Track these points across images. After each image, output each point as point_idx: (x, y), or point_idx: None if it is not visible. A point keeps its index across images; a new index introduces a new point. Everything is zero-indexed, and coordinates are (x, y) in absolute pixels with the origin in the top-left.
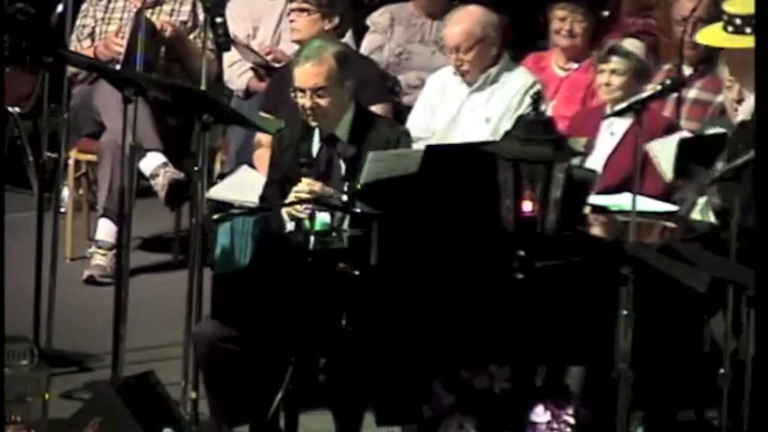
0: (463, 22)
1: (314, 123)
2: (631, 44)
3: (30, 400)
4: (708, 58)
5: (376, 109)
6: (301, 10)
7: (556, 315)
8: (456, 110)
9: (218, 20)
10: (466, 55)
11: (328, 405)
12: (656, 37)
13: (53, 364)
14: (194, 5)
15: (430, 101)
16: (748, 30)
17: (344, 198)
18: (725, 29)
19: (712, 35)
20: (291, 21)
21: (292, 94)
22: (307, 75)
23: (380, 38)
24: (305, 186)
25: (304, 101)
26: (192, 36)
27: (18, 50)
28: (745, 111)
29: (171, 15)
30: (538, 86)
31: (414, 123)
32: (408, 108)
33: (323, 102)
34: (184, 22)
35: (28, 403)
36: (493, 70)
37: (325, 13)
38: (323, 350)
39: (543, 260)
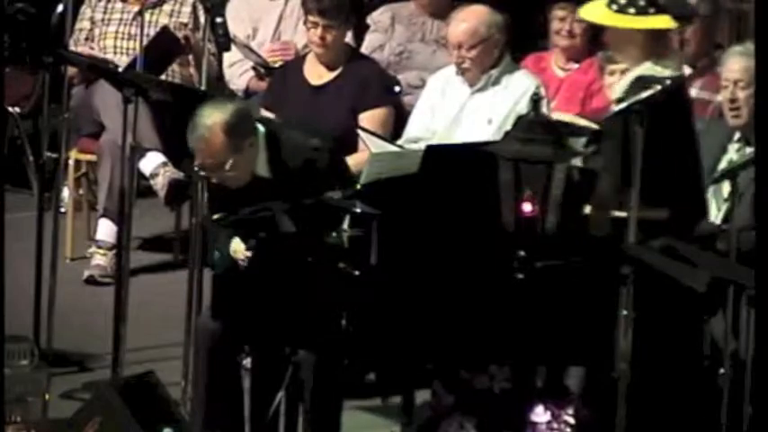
0: (469, 20)
1: (234, 188)
2: None
3: (30, 400)
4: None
5: (378, 112)
6: (326, 27)
7: (556, 315)
8: (457, 110)
9: (219, 20)
10: (468, 52)
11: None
12: None
13: (53, 364)
14: (194, 6)
15: (431, 101)
16: (631, 10)
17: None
18: (609, 7)
19: (595, 12)
20: (322, 38)
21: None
22: (200, 156)
23: (381, 37)
24: (239, 254)
25: (211, 175)
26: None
27: (18, 50)
28: (621, 87)
29: (171, 16)
30: (541, 90)
31: (415, 124)
32: (409, 108)
33: (228, 173)
34: (185, 24)
35: (28, 403)
36: (495, 71)
37: (346, 25)
38: (323, 349)
39: (543, 260)
